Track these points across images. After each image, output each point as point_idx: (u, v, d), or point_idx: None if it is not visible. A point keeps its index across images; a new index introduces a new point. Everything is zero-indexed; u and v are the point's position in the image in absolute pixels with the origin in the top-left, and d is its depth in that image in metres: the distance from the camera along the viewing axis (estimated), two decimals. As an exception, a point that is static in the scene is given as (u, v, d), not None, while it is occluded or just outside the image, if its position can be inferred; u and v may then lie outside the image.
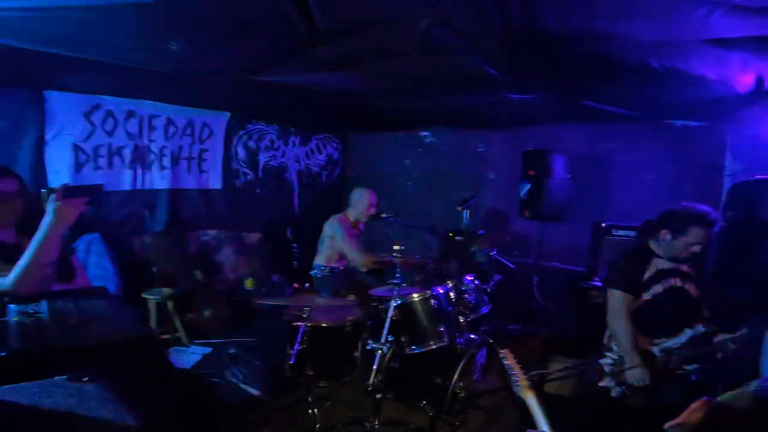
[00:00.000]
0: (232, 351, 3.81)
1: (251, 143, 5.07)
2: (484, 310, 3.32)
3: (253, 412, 2.98)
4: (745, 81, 2.86)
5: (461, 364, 2.72)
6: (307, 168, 5.67)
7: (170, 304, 3.92)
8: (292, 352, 2.51)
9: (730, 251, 3.16)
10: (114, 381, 1.06)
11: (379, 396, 2.47)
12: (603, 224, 3.77)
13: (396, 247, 2.86)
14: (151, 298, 3.87)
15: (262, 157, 5.20)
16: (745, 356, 2.19)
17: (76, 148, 3.73)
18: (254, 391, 3.22)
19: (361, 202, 3.92)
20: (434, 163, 5.33)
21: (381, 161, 5.69)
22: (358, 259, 3.80)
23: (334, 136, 5.88)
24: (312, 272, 3.88)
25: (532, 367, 3.44)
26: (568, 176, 4.04)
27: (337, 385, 2.88)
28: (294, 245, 5.09)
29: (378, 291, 3.20)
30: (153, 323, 3.85)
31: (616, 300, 2.39)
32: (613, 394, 2.39)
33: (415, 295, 2.89)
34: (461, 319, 3.06)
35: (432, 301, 2.92)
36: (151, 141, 4.20)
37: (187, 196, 4.57)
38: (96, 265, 3.69)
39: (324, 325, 2.72)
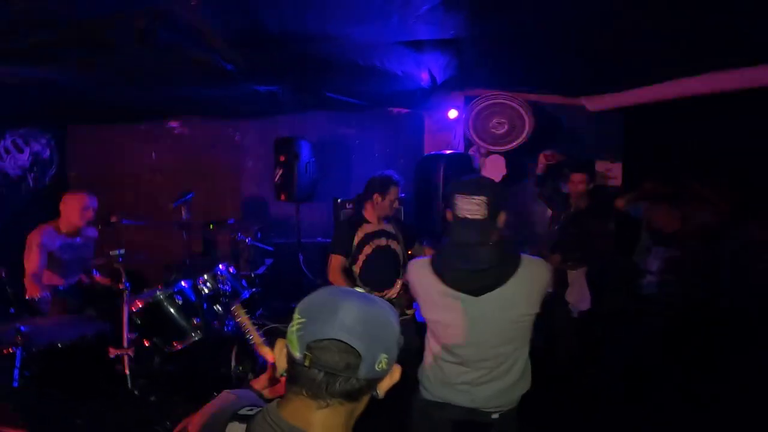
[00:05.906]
0: None
1: None
2: (246, 294, 3.52)
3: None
4: (424, 77, 3.76)
5: (234, 350, 2.88)
6: (2, 172, 4.45)
7: None
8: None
9: (419, 209, 4.11)
10: None
11: (154, 398, 2.40)
12: (339, 200, 4.36)
13: (112, 253, 2.81)
14: None
15: None
16: None
17: None
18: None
19: (69, 210, 3.30)
20: (188, 154, 5.05)
21: (118, 156, 5.04)
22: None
23: (41, 131, 4.73)
24: (28, 298, 3.17)
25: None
26: (313, 160, 4.49)
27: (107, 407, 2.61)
28: (-1, 270, 4.03)
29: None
30: None
31: (332, 261, 2.78)
32: None
33: (158, 294, 2.95)
34: (219, 308, 3.25)
35: (176, 296, 3.01)
36: None
37: None
38: None
39: (59, 345, 2.53)
